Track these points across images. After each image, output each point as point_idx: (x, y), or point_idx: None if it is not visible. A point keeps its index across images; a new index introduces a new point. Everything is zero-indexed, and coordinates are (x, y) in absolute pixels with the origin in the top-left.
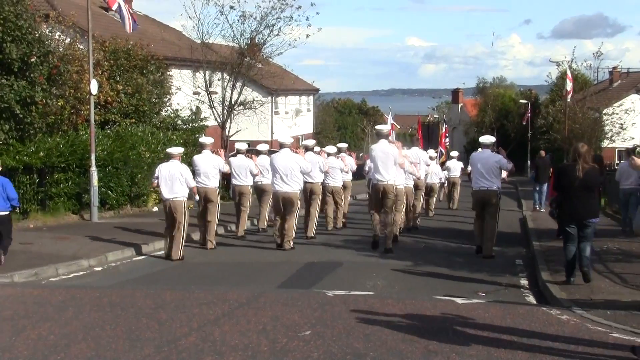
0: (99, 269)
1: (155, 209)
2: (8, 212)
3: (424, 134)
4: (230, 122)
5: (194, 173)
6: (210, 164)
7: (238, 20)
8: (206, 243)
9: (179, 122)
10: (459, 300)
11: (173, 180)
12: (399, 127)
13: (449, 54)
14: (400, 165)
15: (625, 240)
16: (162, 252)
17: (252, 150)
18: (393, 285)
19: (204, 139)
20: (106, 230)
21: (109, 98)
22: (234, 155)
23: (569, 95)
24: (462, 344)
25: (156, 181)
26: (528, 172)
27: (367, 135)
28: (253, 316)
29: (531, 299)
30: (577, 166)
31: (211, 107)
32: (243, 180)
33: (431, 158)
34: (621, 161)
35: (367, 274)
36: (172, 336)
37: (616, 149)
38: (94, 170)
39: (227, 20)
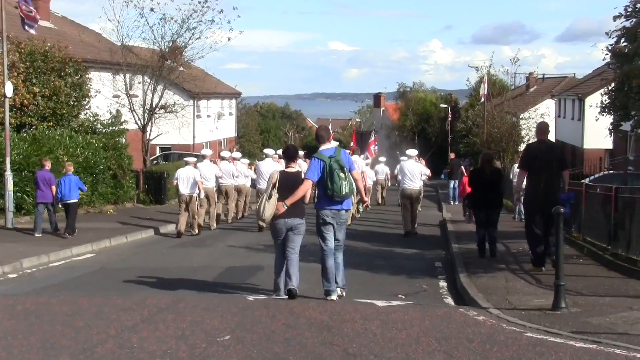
0: (14, 275)
1: None
2: (76, 200)
3: (358, 141)
4: (151, 126)
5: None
6: (209, 171)
7: (159, 23)
8: (210, 227)
9: (99, 125)
10: (379, 303)
11: (189, 180)
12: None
13: (372, 59)
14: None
15: None
16: (81, 257)
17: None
18: (314, 289)
19: (205, 151)
20: (22, 236)
21: (25, 101)
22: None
23: (484, 98)
24: (381, 347)
25: (176, 181)
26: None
27: (289, 139)
28: (172, 322)
29: (450, 300)
30: (485, 168)
31: (132, 110)
32: (228, 180)
33: (367, 164)
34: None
35: None
36: (89, 343)
37: None
38: (9, 175)
39: (148, 23)
